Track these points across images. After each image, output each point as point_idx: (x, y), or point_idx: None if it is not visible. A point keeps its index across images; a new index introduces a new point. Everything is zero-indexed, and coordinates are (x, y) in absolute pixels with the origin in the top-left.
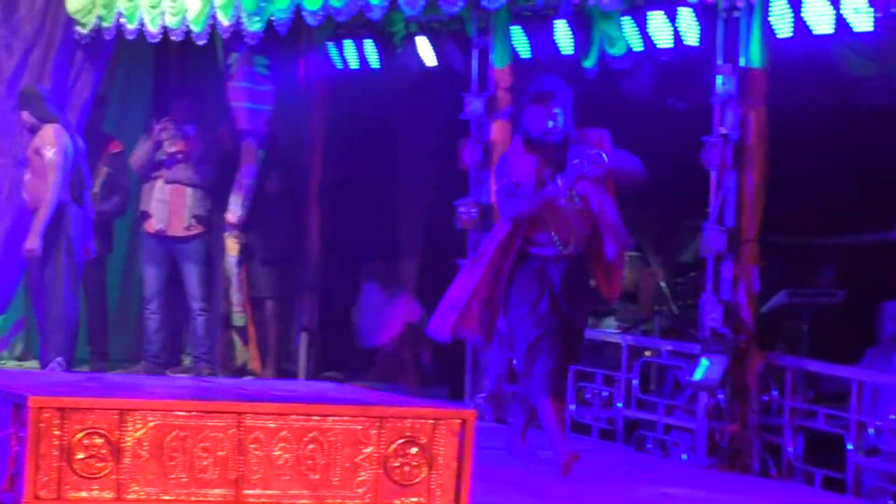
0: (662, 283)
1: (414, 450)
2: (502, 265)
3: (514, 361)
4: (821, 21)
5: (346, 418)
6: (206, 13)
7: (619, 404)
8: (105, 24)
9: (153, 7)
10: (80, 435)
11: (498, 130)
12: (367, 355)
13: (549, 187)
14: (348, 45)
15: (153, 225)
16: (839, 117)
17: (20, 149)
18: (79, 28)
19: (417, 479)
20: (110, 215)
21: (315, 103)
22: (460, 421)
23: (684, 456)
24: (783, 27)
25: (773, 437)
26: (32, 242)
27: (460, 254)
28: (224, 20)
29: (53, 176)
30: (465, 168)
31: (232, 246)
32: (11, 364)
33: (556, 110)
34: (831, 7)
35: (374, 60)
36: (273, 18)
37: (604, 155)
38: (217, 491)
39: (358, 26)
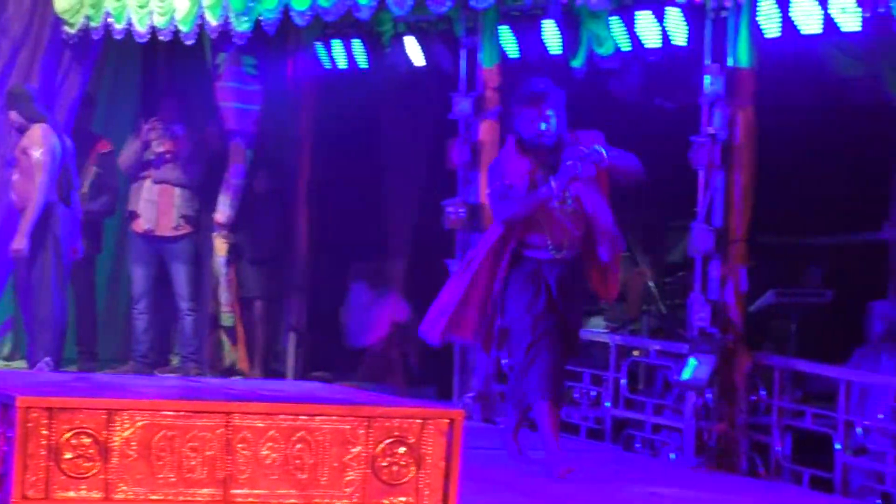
0: (651, 283)
1: (402, 449)
2: (495, 268)
3: (508, 360)
4: (809, 21)
5: (334, 418)
6: (194, 13)
7: (608, 404)
8: (93, 24)
9: (141, 7)
10: (67, 435)
11: (486, 130)
12: (356, 355)
13: (542, 189)
14: (336, 45)
15: (141, 225)
16: (827, 117)
17: (8, 149)
18: (67, 28)
19: (405, 479)
20: (99, 215)
21: (303, 103)
22: (448, 421)
23: (672, 455)
24: (771, 27)
25: (761, 437)
26: (20, 242)
27: (448, 254)
28: (212, 20)
29: (41, 176)
30: (453, 168)
31: (220, 246)
32: None
33: (548, 112)
34: (819, 7)
35: (362, 60)
36: (261, 18)
37: (603, 151)
38: (205, 491)
39: (346, 26)
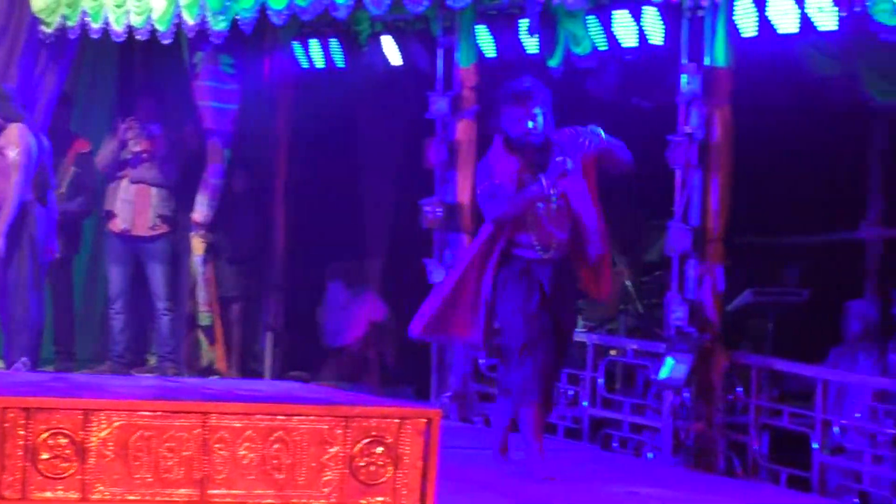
0: (628, 282)
1: (380, 449)
2: (485, 266)
3: (501, 359)
4: (785, 20)
5: (311, 418)
6: (171, 12)
7: (585, 403)
8: (70, 24)
9: (118, 6)
10: (44, 435)
11: (463, 130)
12: (333, 354)
13: (532, 187)
14: (314, 45)
15: (118, 224)
16: (804, 116)
17: None
18: (43, 27)
19: (383, 479)
20: (76, 215)
21: (281, 102)
22: (426, 420)
23: (650, 454)
24: (748, 26)
25: (738, 436)
26: None
27: (426, 253)
28: (189, 19)
29: (17, 175)
30: (430, 167)
31: (198, 245)
32: None
33: (535, 110)
34: (796, 6)
35: (339, 59)
36: (238, 17)
37: (600, 130)
38: (182, 491)
39: (323, 25)
